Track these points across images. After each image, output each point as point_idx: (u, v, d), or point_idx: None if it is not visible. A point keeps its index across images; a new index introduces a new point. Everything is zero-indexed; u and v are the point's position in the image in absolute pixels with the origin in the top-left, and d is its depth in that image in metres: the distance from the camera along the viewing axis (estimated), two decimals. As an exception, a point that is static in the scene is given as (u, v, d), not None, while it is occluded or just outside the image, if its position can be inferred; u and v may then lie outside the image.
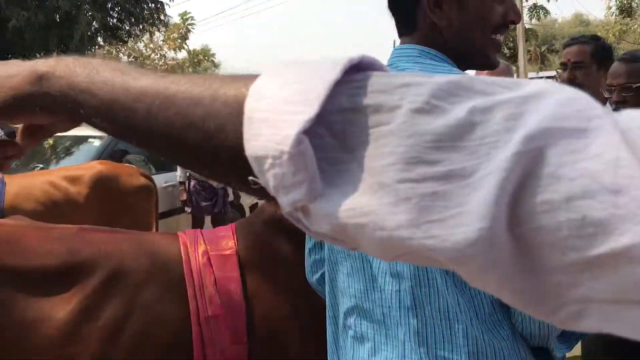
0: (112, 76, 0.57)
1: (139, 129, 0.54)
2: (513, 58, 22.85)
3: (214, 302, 1.94)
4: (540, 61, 22.31)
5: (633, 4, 19.16)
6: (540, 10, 22.55)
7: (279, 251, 2.10)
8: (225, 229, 2.21)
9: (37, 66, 0.62)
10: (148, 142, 0.56)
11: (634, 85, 2.22)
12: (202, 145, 0.49)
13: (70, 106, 0.59)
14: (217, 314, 1.92)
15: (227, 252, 2.06)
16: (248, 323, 1.96)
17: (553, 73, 21.58)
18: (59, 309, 1.85)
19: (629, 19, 19.06)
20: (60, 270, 1.92)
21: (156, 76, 0.55)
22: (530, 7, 19.08)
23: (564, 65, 2.79)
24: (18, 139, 0.70)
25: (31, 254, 1.93)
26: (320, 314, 2.10)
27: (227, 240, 2.10)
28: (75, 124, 0.66)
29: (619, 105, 2.25)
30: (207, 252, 2.05)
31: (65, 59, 0.62)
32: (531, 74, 18.64)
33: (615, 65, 2.37)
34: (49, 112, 0.62)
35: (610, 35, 21.73)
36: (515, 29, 22.09)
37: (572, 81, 2.71)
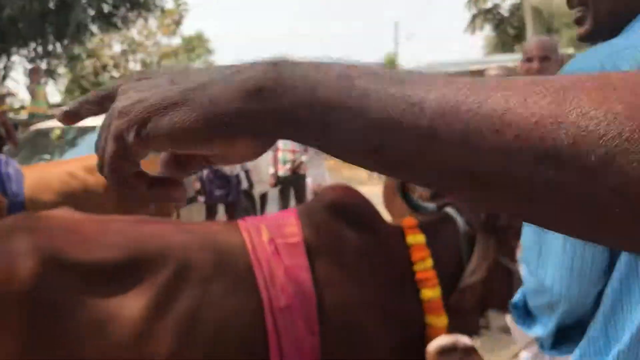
0: (379, 86, 0.41)
1: (442, 160, 0.39)
2: (519, 38, 22.86)
3: (285, 292, 1.87)
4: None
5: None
6: (543, -12, 22.58)
7: (345, 237, 2.05)
8: (286, 215, 2.13)
9: (247, 75, 0.45)
10: (449, 179, 0.41)
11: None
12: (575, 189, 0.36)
13: (303, 128, 0.44)
14: (289, 303, 1.85)
15: (294, 239, 1.99)
16: (319, 313, 1.88)
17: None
18: (130, 305, 1.76)
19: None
20: (125, 264, 1.82)
21: (443, 81, 0.40)
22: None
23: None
24: (161, 170, 0.53)
25: (93, 247, 1.83)
26: (390, 297, 2.04)
27: (291, 227, 2.03)
28: (258, 154, 0.49)
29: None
30: (274, 240, 1.97)
31: (280, 64, 0.45)
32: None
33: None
34: (251, 136, 0.46)
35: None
36: (520, 8, 22.09)
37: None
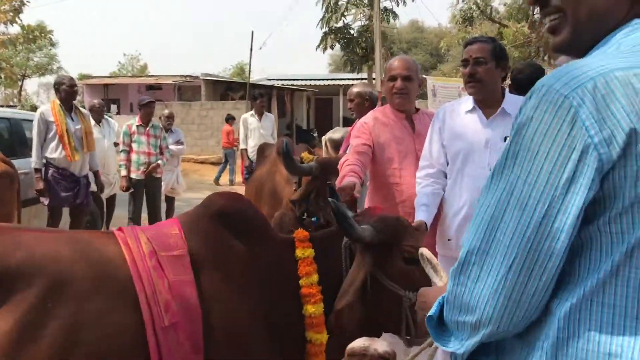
0: None
1: None
2: (365, 58, 23.99)
3: (170, 310, 1.77)
4: (389, 63, 23.83)
5: (474, 14, 21.08)
6: (390, 14, 23.99)
7: (232, 249, 1.98)
8: (169, 225, 2.01)
9: None
10: None
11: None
12: None
13: None
14: (174, 322, 1.74)
15: (178, 252, 1.88)
16: (205, 329, 1.79)
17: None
18: None
19: (470, 27, 20.95)
20: None
21: None
22: (382, 10, 20.11)
23: (465, 62, 2.99)
24: None
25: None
26: (280, 308, 1.99)
27: (174, 238, 1.92)
28: None
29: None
30: (156, 253, 1.84)
31: None
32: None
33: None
34: None
35: (443, 43, 23.62)
36: (368, 29, 23.23)
37: (473, 75, 2.95)
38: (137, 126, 7.43)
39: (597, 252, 0.98)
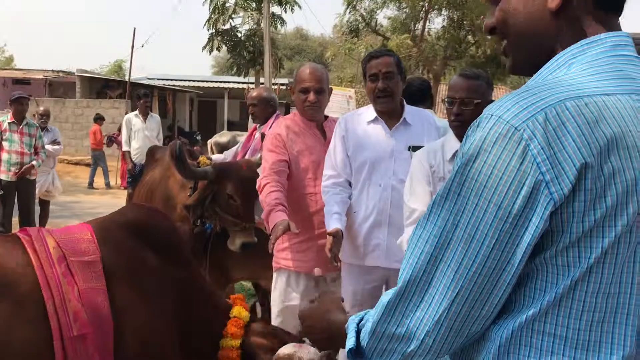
0: None
1: None
2: (252, 62, 23.88)
3: (79, 319, 1.67)
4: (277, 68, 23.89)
5: (359, 26, 21.70)
6: (278, 20, 24.09)
7: (145, 258, 1.90)
8: (79, 229, 1.90)
9: None
10: None
11: (475, 101, 2.53)
12: None
13: None
14: (84, 332, 1.65)
15: (90, 258, 1.78)
16: (116, 341, 1.71)
17: (286, 80, 23.19)
18: None
19: (356, 38, 21.55)
20: None
21: None
22: (270, 15, 20.16)
23: (374, 77, 3.01)
24: None
25: None
26: (195, 337, 1.94)
27: (87, 244, 1.81)
28: None
29: (458, 117, 2.56)
30: (66, 258, 1.72)
31: None
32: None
33: (457, 80, 2.58)
34: None
35: (330, 52, 24.14)
36: (256, 34, 23.13)
37: (385, 90, 2.99)
38: (9, 123, 6.86)
39: (542, 282, 0.97)
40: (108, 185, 14.38)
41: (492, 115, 0.97)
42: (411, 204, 2.60)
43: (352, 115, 3.27)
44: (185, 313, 1.94)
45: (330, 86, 3.43)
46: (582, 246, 0.94)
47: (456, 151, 2.64)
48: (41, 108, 8.36)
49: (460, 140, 2.59)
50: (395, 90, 3.02)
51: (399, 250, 2.92)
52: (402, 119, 3.07)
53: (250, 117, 4.93)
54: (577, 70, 1.00)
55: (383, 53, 3.10)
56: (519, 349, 0.98)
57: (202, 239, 3.60)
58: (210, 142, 13.17)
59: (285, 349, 1.70)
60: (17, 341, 1.58)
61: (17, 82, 23.53)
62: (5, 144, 6.81)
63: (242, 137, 12.31)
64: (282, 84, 19.67)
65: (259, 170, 3.80)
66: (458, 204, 0.98)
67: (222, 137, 13.45)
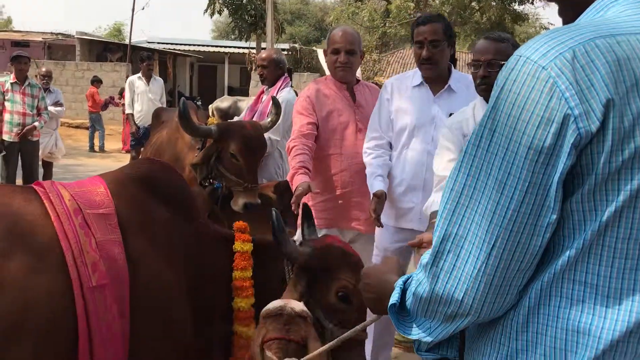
0: None
1: None
2: (254, 26, 23.55)
3: (98, 270, 1.68)
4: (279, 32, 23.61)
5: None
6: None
7: (157, 212, 1.90)
8: (92, 183, 1.89)
9: None
10: None
11: (501, 63, 2.45)
12: None
13: None
14: (102, 283, 1.66)
15: (105, 210, 1.78)
16: (130, 293, 1.73)
17: (287, 46, 22.91)
18: None
19: (360, 2, 21.25)
20: None
21: None
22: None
23: (419, 43, 2.99)
24: None
25: None
26: (207, 290, 1.95)
27: (101, 197, 1.81)
28: None
29: (484, 80, 2.51)
30: (81, 210, 1.72)
31: None
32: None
33: (482, 43, 2.54)
34: None
35: (333, 16, 23.78)
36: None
37: (429, 59, 2.96)
38: (11, 84, 6.79)
39: (570, 229, 0.96)
40: (102, 148, 14.32)
41: (520, 56, 0.96)
42: (440, 172, 2.58)
43: (399, 78, 3.30)
44: (196, 264, 1.95)
45: (362, 49, 3.46)
46: (609, 188, 0.93)
47: None
48: (43, 69, 8.28)
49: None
50: (439, 59, 3.00)
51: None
52: (446, 86, 3.07)
53: (254, 80, 4.88)
54: (615, 13, 0.99)
55: (431, 19, 3.04)
56: (550, 299, 0.96)
57: (213, 198, 3.61)
58: (211, 107, 13.11)
59: (274, 303, 1.69)
60: (38, 291, 1.59)
61: (16, 44, 23.26)
62: (7, 104, 6.76)
63: (243, 102, 12.28)
64: (283, 49, 19.47)
65: (269, 135, 3.80)
66: (489, 151, 0.96)
67: (224, 102, 13.39)
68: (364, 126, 3.31)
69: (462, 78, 3.18)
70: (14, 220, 1.65)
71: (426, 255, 1.05)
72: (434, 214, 2.50)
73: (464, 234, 0.98)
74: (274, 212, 1.87)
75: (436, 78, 3.08)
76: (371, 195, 3.00)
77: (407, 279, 1.13)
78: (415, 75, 3.16)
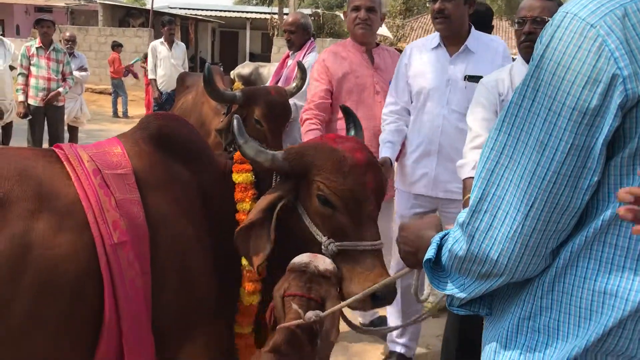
0: None
1: None
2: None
3: (118, 228, 1.70)
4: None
5: None
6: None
7: (173, 169, 1.90)
8: (110, 144, 1.91)
9: None
10: None
11: (547, 19, 2.40)
12: None
13: None
14: (123, 240, 1.69)
15: (123, 170, 1.79)
16: (152, 251, 1.75)
17: (309, 11, 22.63)
18: None
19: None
20: None
21: None
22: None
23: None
24: None
25: None
26: (224, 241, 1.93)
27: (117, 157, 1.83)
28: None
29: (529, 36, 2.45)
30: (100, 170, 1.74)
31: None
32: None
33: (530, 0, 2.47)
34: None
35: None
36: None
37: (441, 11, 2.89)
38: (36, 48, 6.82)
39: (606, 193, 0.94)
40: (125, 114, 14.37)
41: (567, 13, 0.93)
42: (475, 129, 2.54)
43: (420, 41, 3.22)
44: (214, 215, 1.92)
45: (384, 11, 3.41)
46: None
47: None
48: (67, 33, 8.29)
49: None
50: (453, 13, 2.88)
51: (447, 180, 2.95)
52: (463, 46, 2.96)
53: (276, 46, 4.81)
54: None
55: None
56: (580, 260, 0.96)
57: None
58: (232, 73, 13.02)
59: (300, 258, 1.68)
60: (65, 249, 1.62)
61: (39, 9, 23.37)
62: (32, 69, 6.80)
63: (264, 68, 12.18)
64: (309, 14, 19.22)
65: (294, 100, 3.76)
66: (531, 111, 0.94)
67: (245, 68, 13.29)
68: (383, 89, 3.27)
69: (483, 37, 3.06)
70: (38, 182, 1.67)
71: (463, 214, 1.04)
72: (466, 184, 2.46)
73: (502, 195, 0.97)
74: (235, 119, 1.87)
75: (454, 39, 2.98)
76: None
77: (444, 235, 1.13)
78: (435, 37, 3.07)
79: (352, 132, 2.17)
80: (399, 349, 3.30)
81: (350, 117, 2.24)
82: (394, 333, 3.33)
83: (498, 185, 0.97)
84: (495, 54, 3.01)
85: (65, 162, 1.77)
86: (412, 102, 3.09)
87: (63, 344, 1.63)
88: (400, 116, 3.08)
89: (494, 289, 1.07)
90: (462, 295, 1.08)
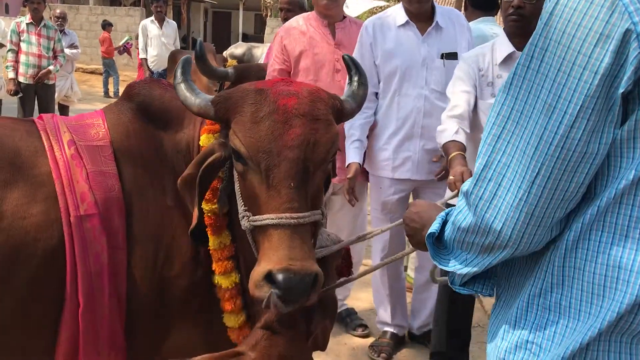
0: None
1: None
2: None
3: (86, 200, 1.67)
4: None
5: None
6: None
7: (154, 139, 1.85)
8: (92, 116, 1.90)
9: None
10: None
11: None
12: None
13: None
14: (90, 213, 1.66)
15: (99, 142, 1.79)
16: (128, 223, 1.72)
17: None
18: None
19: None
20: None
21: None
22: None
23: None
24: None
25: None
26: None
27: (97, 128, 1.81)
28: None
29: (518, 10, 2.43)
30: (74, 141, 1.73)
31: None
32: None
33: None
34: None
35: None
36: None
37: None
38: (27, 24, 6.74)
39: (618, 160, 0.90)
40: (116, 94, 14.28)
41: None
42: (454, 100, 2.54)
43: (380, 18, 3.07)
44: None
45: None
46: None
47: (508, 55, 2.54)
48: (58, 10, 8.20)
49: (513, 42, 2.51)
50: None
51: (430, 163, 2.94)
52: (434, 23, 2.92)
53: (269, 27, 4.75)
54: None
55: None
56: (592, 234, 0.92)
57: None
58: (225, 53, 12.94)
59: None
60: (34, 220, 1.62)
61: (29, -13, 22.96)
62: (23, 45, 6.73)
63: (257, 49, 12.10)
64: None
65: None
66: (539, 72, 0.90)
67: (238, 48, 13.20)
68: (344, 67, 3.17)
69: (446, 12, 3.02)
70: (15, 152, 1.68)
71: (467, 183, 1.01)
72: (449, 145, 2.42)
73: (508, 162, 0.93)
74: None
75: (422, 15, 2.92)
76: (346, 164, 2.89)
77: (450, 211, 1.09)
78: (398, 12, 2.97)
79: (353, 85, 1.82)
80: (391, 329, 3.31)
81: (352, 67, 1.87)
82: (385, 315, 3.32)
83: (504, 152, 0.93)
84: (461, 26, 2.99)
85: (42, 132, 1.76)
86: (380, 84, 2.99)
87: (32, 311, 1.63)
88: (368, 103, 2.92)
89: (501, 269, 1.04)
90: (464, 270, 1.04)
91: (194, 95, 1.62)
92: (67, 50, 7.41)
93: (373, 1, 9.38)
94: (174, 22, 8.93)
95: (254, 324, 1.75)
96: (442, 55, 2.89)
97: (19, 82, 6.74)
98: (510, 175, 0.93)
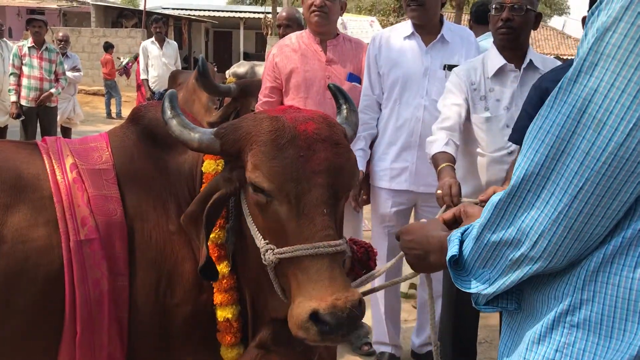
0: None
1: None
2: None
3: (87, 224, 1.65)
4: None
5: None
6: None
7: (158, 162, 1.82)
8: (96, 139, 1.89)
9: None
10: None
11: (526, 7, 2.42)
12: None
13: None
14: (91, 237, 1.64)
15: (102, 166, 1.77)
16: (131, 249, 1.69)
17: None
18: None
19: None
20: None
21: None
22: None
23: None
24: None
25: None
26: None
27: (100, 152, 1.80)
28: None
29: (507, 23, 2.43)
30: (77, 165, 1.72)
31: None
32: None
33: None
34: None
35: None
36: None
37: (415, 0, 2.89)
38: (29, 47, 6.80)
39: None
40: (119, 115, 14.35)
41: None
42: (445, 112, 2.54)
43: (390, 30, 3.14)
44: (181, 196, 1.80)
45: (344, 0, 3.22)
46: None
47: (500, 67, 2.55)
48: (60, 33, 8.27)
49: (504, 55, 2.53)
50: (428, 1, 2.86)
51: (428, 174, 2.89)
52: (439, 36, 2.94)
53: (270, 45, 4.78)
54: None
55: None
56: (629, 249, 0.88)
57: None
58: (228, 72, 13.01)
59: None
60: (35, 244, 1.60)
61: (32, 12, 23.25)
62: (25, 68, 6.78)
63: (260, 67, 12.13)
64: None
65: None
66: (588, 87, 0.86)
67: (240, 67, 13.21)
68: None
69: (457, 29, 3.06)
70: (17, 175, 1.67)
71: (499, 194, 0.97)
72: (438, 157, 2.41)
73: (547, 175, 0.90)
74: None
75: (427, 28, 2.95)
76: None
77: (466, 230, 1.05)
78: (405, 25, 3.02)
79: (343, 114, 1.80)
80: (389, 350, 3.24)
81: (339, 96, 1.86)
82: (381, 335, 3.26)
83: (544, 165, 0.90)
84: (469, 43, 3.01)
85: (44, 156, 1.75)
86: (384, 94, 3.02)
87: (31, 337, 1.61)
88: (372, 114, 3.02)
89: (524, 282, 0.99)
90: (489, 290, 1.00)
91: (191, 130, 1.55)
92: (69, 73, 7.47)
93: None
94: (175, 43, 8.98)
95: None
96: (445, 66, 2.89)
97: (21, 105, 6.77)
98: (550, 187, 0.90)
